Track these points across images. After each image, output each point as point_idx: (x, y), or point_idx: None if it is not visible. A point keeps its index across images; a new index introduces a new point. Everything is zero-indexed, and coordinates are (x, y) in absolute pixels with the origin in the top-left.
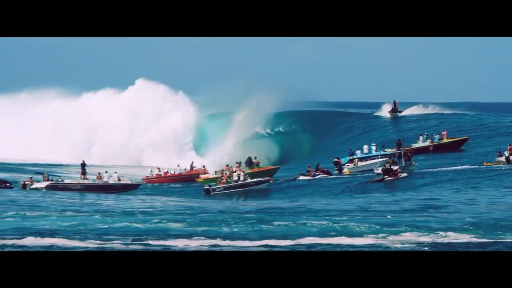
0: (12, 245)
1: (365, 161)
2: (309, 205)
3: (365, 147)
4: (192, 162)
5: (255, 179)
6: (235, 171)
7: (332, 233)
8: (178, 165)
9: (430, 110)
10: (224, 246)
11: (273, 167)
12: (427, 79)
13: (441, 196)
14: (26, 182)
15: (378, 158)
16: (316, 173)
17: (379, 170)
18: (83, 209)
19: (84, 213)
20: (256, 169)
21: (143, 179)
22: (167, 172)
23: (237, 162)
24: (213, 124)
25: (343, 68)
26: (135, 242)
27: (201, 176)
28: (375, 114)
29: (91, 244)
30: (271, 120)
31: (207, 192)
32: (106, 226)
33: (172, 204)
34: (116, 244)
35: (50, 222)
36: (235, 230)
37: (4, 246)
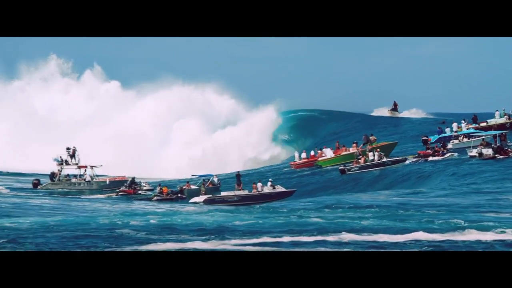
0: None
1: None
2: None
3: (454, 124)
4: (337, 141)
5: (391, 158)
6: (358, 150)
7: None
8: (325, 147)
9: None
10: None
11: (391, 142)
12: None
13: None
14: (184, 187)
15: (477, 136)
16: (444, 152)
17: (473, 153)
18: None
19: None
20: (374, 146)
21: (291, 164)
22: (314, 154)
23: (354, 142)
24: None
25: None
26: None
27: (320, 159)
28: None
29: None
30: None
31: (343, 172)
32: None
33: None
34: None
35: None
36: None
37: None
